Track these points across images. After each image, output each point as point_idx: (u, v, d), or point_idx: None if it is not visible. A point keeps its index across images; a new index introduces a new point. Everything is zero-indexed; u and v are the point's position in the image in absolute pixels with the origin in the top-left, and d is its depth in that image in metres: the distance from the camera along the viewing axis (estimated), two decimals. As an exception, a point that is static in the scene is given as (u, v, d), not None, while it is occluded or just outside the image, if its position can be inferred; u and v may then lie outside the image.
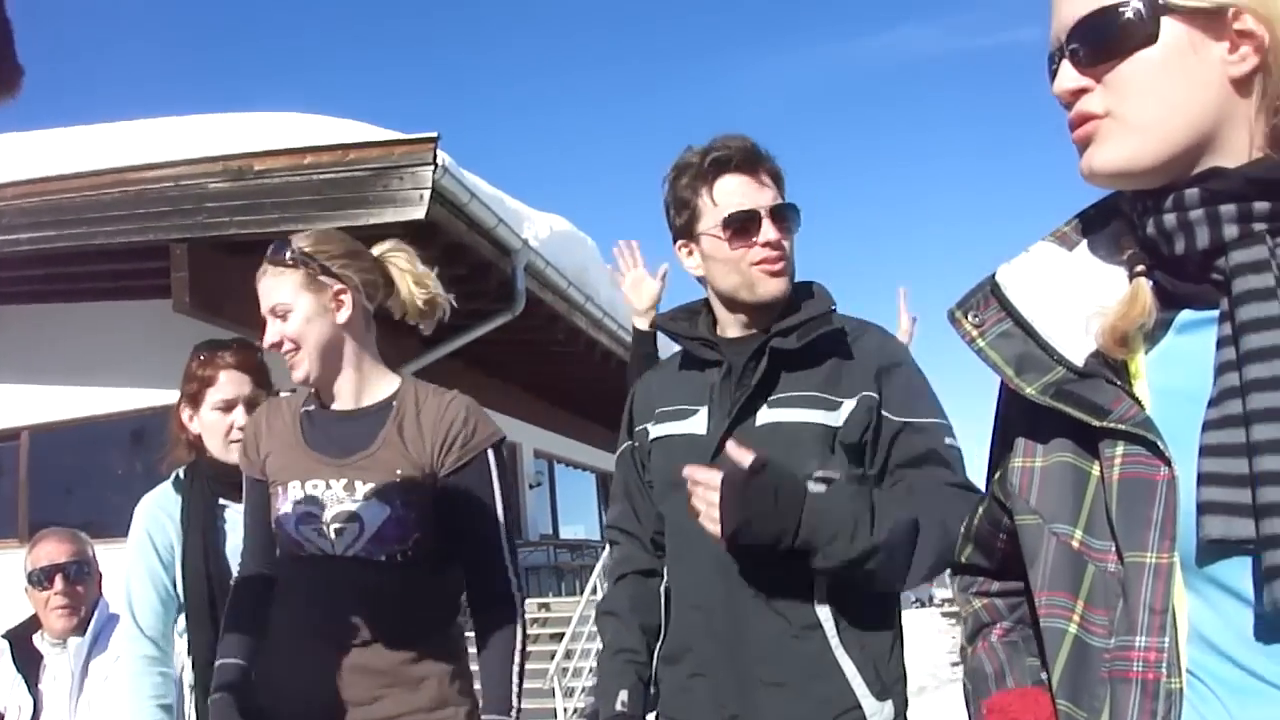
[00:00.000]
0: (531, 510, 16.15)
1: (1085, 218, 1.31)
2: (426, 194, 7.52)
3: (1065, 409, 1.18)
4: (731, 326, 2.30)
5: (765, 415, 2.17)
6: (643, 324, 3.46)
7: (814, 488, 2.00)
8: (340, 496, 2.30)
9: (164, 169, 8.29)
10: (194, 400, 3.01)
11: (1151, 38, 1.14)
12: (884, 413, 2.16)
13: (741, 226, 2.20)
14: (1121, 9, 1.14)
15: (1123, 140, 1.16)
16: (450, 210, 8.05)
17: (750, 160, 2.25)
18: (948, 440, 2.18)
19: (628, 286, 3.52)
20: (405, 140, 7.78)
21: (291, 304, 2.35)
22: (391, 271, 2.52)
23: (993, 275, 1.30)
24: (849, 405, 2.15)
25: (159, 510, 3.00)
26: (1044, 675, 1.28)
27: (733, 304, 2.27)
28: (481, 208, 8.39)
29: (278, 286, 2.37)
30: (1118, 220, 1.26)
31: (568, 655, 11.07)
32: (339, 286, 2.38)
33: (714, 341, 2.30)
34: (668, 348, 2.72)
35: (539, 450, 16.54)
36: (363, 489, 2.29)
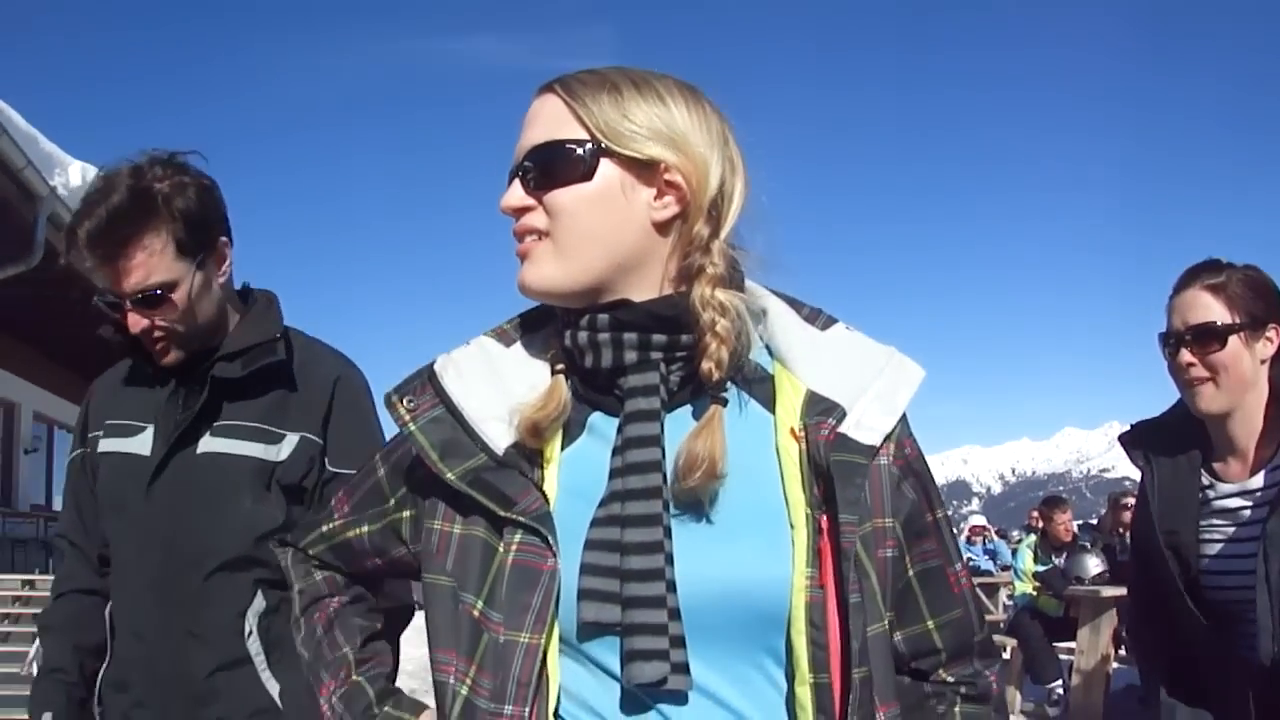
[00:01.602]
0: (25, 478, 14.88)
1: (525, 318, 1.42)
2: (-47, 122, 6.87)
3: (477, 496, 1.27)
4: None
5: (207, 443, 2.18)
6: None
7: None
8: None
9: None
10: None
11: (590, 174, 1.27)
12: (326, 461, 2.22)
13: (115, 314, 2.18)
14: (570, 145, 1.27)
15: (553, 262, 1.28)
16: (-23, 143, 7.40)
17: (104, 244, 2.10)
18: None
19: None
20: (-64, 58, 7.06)
21: None
22: None
23: (431, 364, 1.39)
24: (291, 440, 2.20)
25: None
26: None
27: None
28: (10, 145, 7.74)
29: None
30: (551, 324, 1.38)
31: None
32: None
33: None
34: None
35: (39, 413, 15.22)
36: None
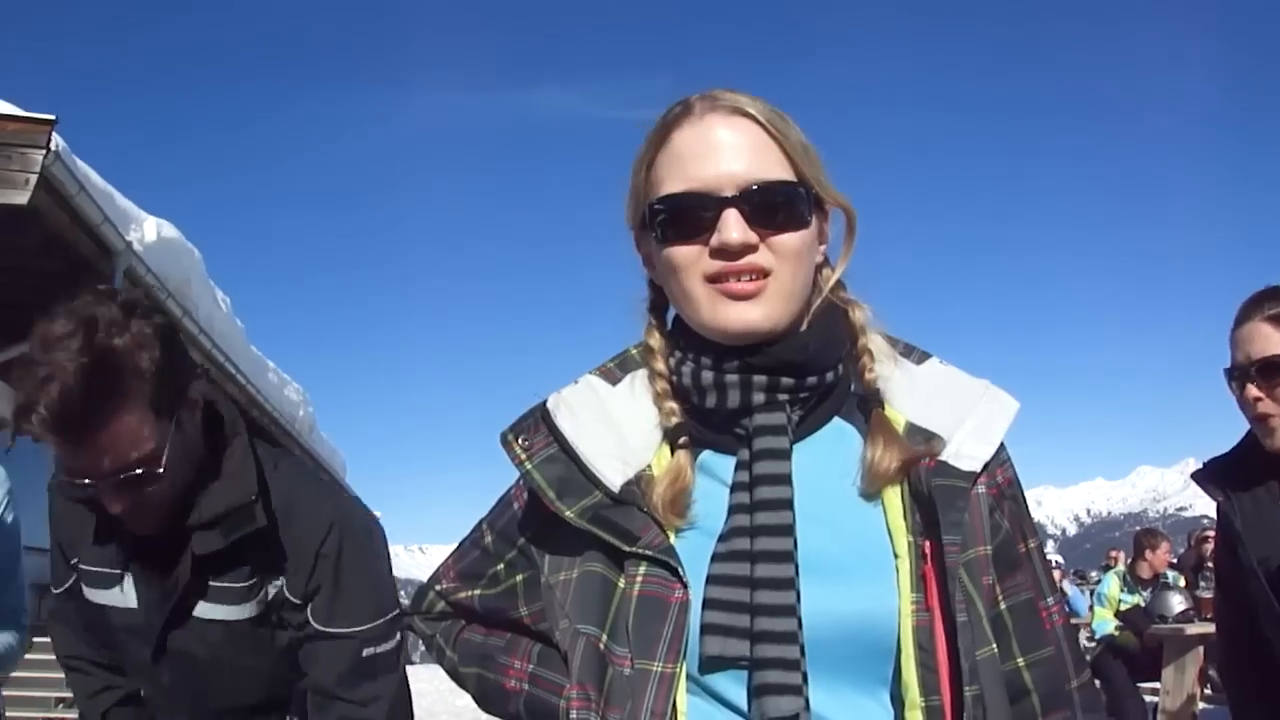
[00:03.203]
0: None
1: (628, 357, 1.44)
2: (34, 179, 6.96)
3: (600, 533, 1.28)
4: None
5: (202, 609, 2.04)
6: None
7: None
8: None
9: None
10: None
11: (809, 221, 1.31)
12: (309, 615, 2.05)
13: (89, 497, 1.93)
14: (798, 188, 1.29)
15: (781, 305, 1.29)
16: (56, 200, 7.50)
17: (70, 426, 1.77)
18: (366, 652, 2.04)
19: None
20: (20, 118, 7.17)
21: None
22: None
23: (544, 402, 1.41)
24: (275, 585, 2.05)
25: None
26: None
27: None
28: (88, 202, 7.87)
29: None
30: (653, 363, 1.39)
31: None
32: None
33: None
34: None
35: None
36: None
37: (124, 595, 2.06)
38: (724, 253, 1.26)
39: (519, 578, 1.47)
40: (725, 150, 1.28)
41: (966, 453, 1.30)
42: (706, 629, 1.23)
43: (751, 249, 1.26)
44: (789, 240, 1.28)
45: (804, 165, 1.30)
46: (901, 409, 1.34)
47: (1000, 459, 1.36)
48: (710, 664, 1.23)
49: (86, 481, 1.83)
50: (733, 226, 1.25)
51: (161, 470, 1.85)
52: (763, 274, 1.27)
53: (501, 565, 1.49)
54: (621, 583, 1.28)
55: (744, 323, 1.27)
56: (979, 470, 1.30)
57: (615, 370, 1.43)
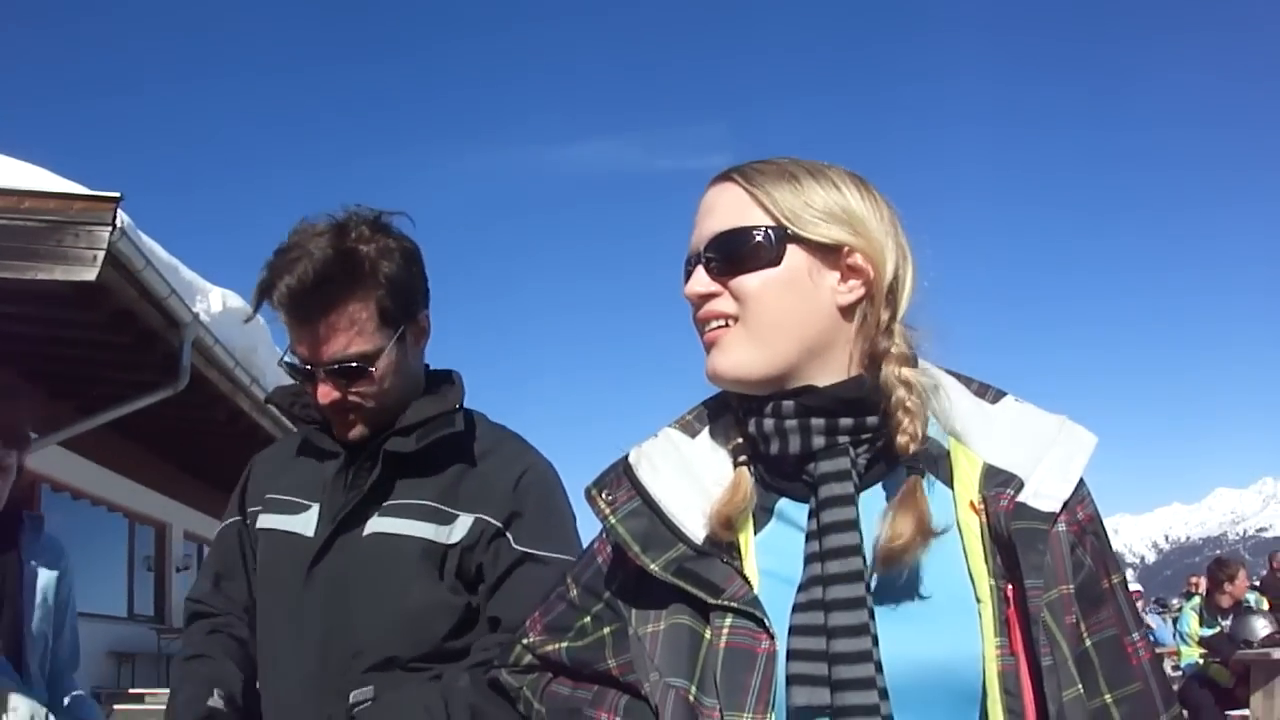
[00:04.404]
0: (177, 596, 15.30)
1: (707, 407, 1.45)
2: (101, 255, 7.14)
3: (685, 586, 1.29)
4: None
5: (374, 524, 2.01)
6: None
7: (359, 694, 1.93)
8: None
9: None
10: None
11: (777, 259, 1.31)
12: (509, 537, 2.00)
13: (304, 380, 2.05)
14: (754, 231, 1.31)
15: (745, 347, 1.31)
16: (123, 275, 7.69)
17: (304, 304, 1.94)
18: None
19: None
20: (86, 196, 7.38)
21: None
22: None
23: (626, 456, 1.41)
24: (464, 521, 2.00)
25: None
26: None
27: None
28: (155, 276, 8.07)
29: None
30: (729, 414, 1.40)
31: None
32: None
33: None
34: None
35: (189, 532, 15.70)
36: None
37: (304, 522, 2.07)
38: (693, 306, 1.35)
39: (606, 630, 1.47)
40: (706, 214, 1.37)
41: (1045, 492, 1.29)
42: (792, 679, 1.23)
43: (710, 297, 1.33)
44: (746, 281, 1.31)
45: (785, 211, 1.31)
46: (978, 449, 1.33)
47: (1079, 495, 1.34)
48: (797, 714, 1.23)
49: (307, 366, 1.98)
50: (692, 280, 1.34)
51: (374, 371, 1.97)
52: (728, 320, 1.32)
53: (588, 618, 1.49)
54: (708, 634, 1.28)
55: (713, 369, 1.33)
56: (1058, 510, 1.29)
57: (693, 422, 1.44)
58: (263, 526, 2.13)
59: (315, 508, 2.07)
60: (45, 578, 2.85)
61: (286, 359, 2.03)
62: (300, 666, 2.00)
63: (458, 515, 2.00)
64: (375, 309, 1.96)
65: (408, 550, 1.98)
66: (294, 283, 1.90)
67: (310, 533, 2.05)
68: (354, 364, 1.96)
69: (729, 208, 1.34)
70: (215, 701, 1.99)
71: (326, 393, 1.98)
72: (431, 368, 2.20)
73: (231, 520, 2.23)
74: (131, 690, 11.11)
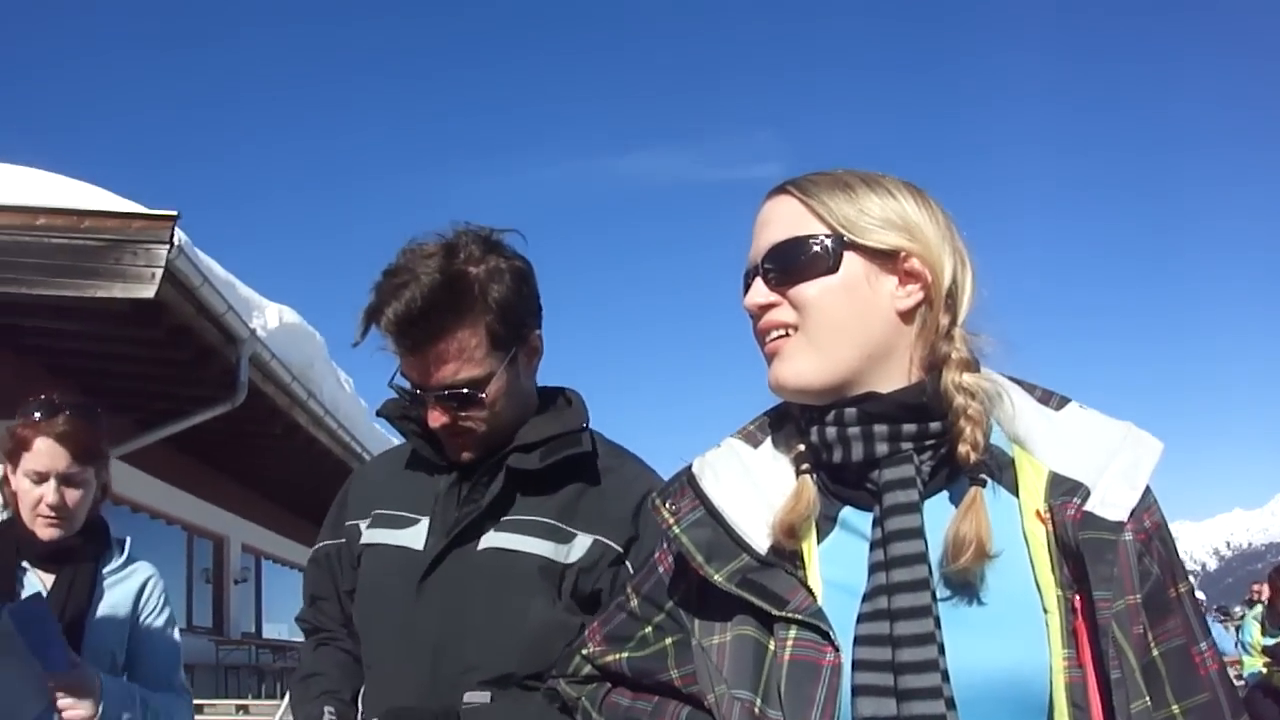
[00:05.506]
0: (235, 607, 15.49)
1: (769, 417, 1.45)
2: (159, 273, 7.26)
3: (749, 597, 1.28)
4: None
5: (490, 538, 1.96)
6: None
7: (474, 696, 1.89)
8: None
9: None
10: (11, 458, 2.71)
11: (835, 267, 1.31)
12: (629, 565, 1.94)
13: (414, 404, 2.02)
14: (811, 240, 1.32)
15: (806, 356, 1.31)
16: (181, 292, 7.81)
17: (413, 332, 1.91)
18: None
19: None
20: (144, 215, 7.51)
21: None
22: None
23: (689, 466, 1.42)
24: (583, 541, 1.96)
25: None
26: None
27: None
28: (212, 292, 8.18)
29: None
30: (791, 423, 1.40)
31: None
32: None
33: None
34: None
35: (247, 545, 15.86)
36: None
37: (413, 536, 2.02)
38: (753, 317, 1.36)
39: (668, 640, 1.46)
40: (763, 227, 1.38)
41: (1112, 500, 1.28)
42: (858, 690, 1.22)
43: (769, 308, 1.34)
44: (805, 290, 1.32)
45: (841, 219, 1.32)
46: (1043, 457, 1.32)
47: (1146, 503, 1.32)
48: None
49: (417, 391, 1.96)
50: (752, 291, 1.35)
51: (484, 397, 1.94)
52: (788, 329, 1.33)
53: (650, 628, 1.49)
54: (772, 645, 1.28)
55: (776, 378, 1.33)
56: (1126, 518, 1.27)
57: (756, 432, 1.44)
58: (368, 542, 2.08)
59: (425, 521, 2.03)
60: (118, 595, 2.86)
61: (396, 380, 2.02)
62: (411, 678, 1.95)
63: (576, 535, 1.96)
64: (485, 334, 1.93)
65: (525, 567, 1.94)
66: (402, 309, 1.88)
67: (420, 546, 2.01)
68: (464, 390, 1.94)
69: (785, 219, 1.36)
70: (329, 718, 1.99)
71: (437, 417, 1.97)
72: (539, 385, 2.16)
73: (323, 544, 2.20)
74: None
